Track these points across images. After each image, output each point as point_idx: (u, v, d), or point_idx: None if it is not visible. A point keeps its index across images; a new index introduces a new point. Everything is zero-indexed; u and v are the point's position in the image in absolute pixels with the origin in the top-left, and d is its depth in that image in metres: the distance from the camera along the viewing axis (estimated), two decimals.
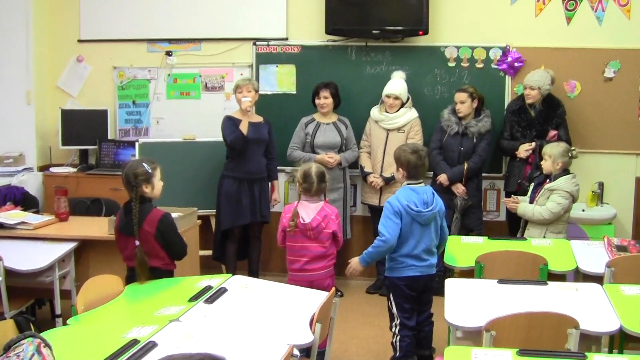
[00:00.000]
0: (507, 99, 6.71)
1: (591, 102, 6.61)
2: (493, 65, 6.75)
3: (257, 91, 6.41)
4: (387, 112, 6.53)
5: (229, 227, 6.35)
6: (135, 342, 3.09)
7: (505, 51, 6.70)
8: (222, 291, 3.88)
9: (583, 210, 6.47)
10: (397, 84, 6.51)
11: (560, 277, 4.48)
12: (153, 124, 7.37)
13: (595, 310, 3.62)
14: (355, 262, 4.75)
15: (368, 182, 6.62)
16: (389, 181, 6.47)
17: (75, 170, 7.11)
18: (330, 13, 6.73)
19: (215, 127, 6.37)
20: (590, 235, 6.11)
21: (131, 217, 4.18)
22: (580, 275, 4.58)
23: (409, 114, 6.53)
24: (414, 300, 4.66)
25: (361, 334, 5.67)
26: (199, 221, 5.73)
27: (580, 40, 6.59)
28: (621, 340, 3.75)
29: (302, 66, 7.04)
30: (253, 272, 6.47)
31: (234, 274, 4.29)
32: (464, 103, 6.30)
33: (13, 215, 5.47)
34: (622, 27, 6.52)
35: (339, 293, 6.31)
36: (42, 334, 2.87)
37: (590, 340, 3.49)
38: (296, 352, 3.17)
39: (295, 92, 7.08)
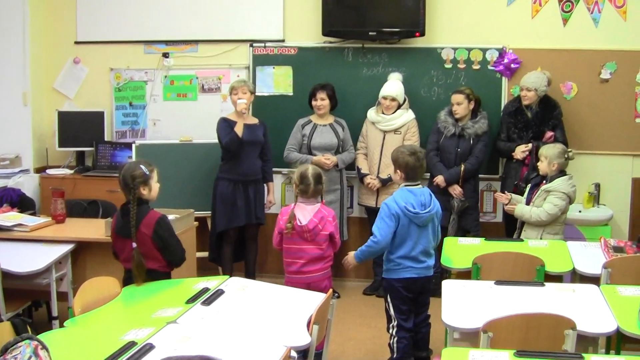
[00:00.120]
0: (504, 101, 6.72)
1: (587, 104, 6.62)
2: (489, 67, 6.76)
3: (252, 93, 6.42)
4: (383, 113, 6.53)
5: (224, 228, 6.35)
6: (132, 344, 3.09)
7: (501, 53, 6.71)
8: (219, 293, 3.87)
9: (580, 212, 6.48)
10: (393, 86, 6.52)
11: (557, 278, 4.47)
12: (150, 125, 7.36)
13: (592, 311, 3.63)
14: (350, 257, 4.77)
15: (365, 184, 6.62)
16: (385, 182, 6.47)
17: (72, 172, 7.11)
18: (327, 15, 6.73)
19: (212, 128, 6.36)
20: (587, 237, 6.12)
21: (128, 219, 4.17)
22: (577, 277, 4.59)
23: (406, 116, 6.53)
24: (412, 302, 4.67)
25: (358, 336, 5.67)
26: (196, 223, 5.72)
27: (576, 41, 6.60)
28: (618, 341, 3.76)
29: (299, 68, 7.04)
30: (250, 274, 6.46)
31: (230, 276, 4.29)
32: (460, 104, 6.30)
33: (10, 217, 5.46)
34: (618, 29, 6.53)
35: (336, 294, 6.31)
36: (39, 336, 2.87)
37: (587, 341, 3.49)
38: (294, 353, 3.16)
39: (292, 94, 7.08)
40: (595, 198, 6.61)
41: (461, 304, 3.77)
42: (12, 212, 5.66)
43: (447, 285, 4.05)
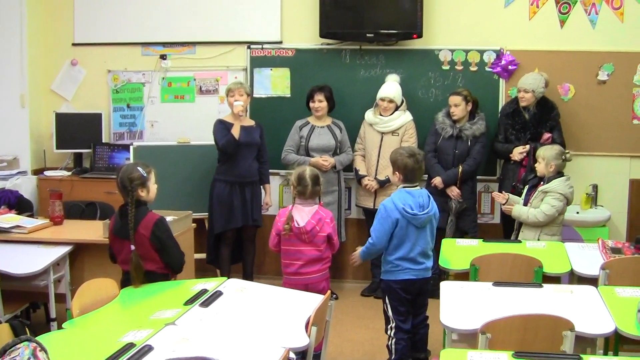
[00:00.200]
0: (501, 102, 6.73)
1: (585, 105, 6.63)
2: (487, 68, 6.77)
3: (249, 95, 6.42)
4: (381, 115, 6.54)
5: (221, 230, 6.35)
6: (131, 345, 3.09)
7: (499, 54, 6.72)
8: (217, 294, 3.87)
9: (577, 213, 6.49)
10: (391, 87, 6.52)
11: (555, 279, 4.48)
12: (147, 127, 7.36)
13: (590, 312, 3.63)
14: (357, 254, 4.83)
15: (362, 185, 6.62)
16: (383, 184, 6.48)
17: (69, 173, 7.11)
18: (324, 16, 6.73)
19: (209, 130, 6.36)
20: (585, 238, 6.13)
21: (127, 220, 4.17)
22: (575, 278, 4.58)
23: (403, 117, 6.54)
24: (410, 303, 4.67)
25: (356, 337, 5.67)
26: (194, 224, 5.72)
27: (573, 43, 6.61)
28: (616, 342, 3.76)
29: (297, 69, 7.04)
30: (247, 276, 6.46)
31: (228, 278, 4.29)
32: (458, 106, 6.31)
33: (7, 219, 5.45)
34: (616, 30, 6.55)
35: (334, 296, 6.31)
36: (38, 338, 2.87)
37: (585, 343, 3.49)
38: (292, 355, 3.17)
39: (289, 96, 7.08)
40: (592, 199, 6.62)
41: (459, 305, 3.77)
42: (9, 214, 5.65)
43: (445, 286, 4.05)
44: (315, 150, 6.51)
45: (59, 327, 3.92)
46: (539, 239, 5.31)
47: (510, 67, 6.69)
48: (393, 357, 4.65)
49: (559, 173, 5.45)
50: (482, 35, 6.75)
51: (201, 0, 7.13)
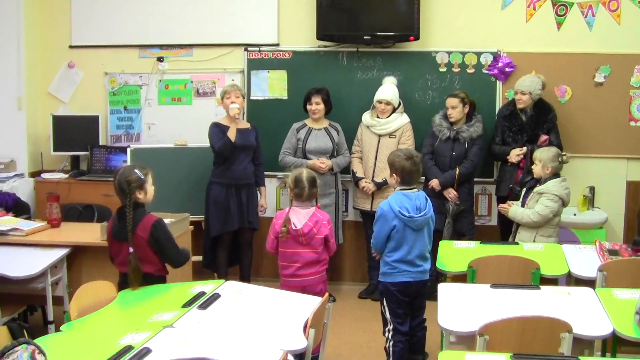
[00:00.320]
0: (498, 104, 6.73)
1: (582, 107, 6.64)
2: (484, 71, 6.78)
3: (244, 97, 6.43)
4: (378, 117, 6.54)
5: (217, 233, 6.34)
6: (129, 348, 3.09)
7: (496, 56, 6.73)
8: (215, 297, 3.87)
9: (574, 215, 6.50)
10: (388, 90, 6.53)
11: (552, 281, 4.49)
12: (144, 129, 7.36)
13: (587, 314, 3.64)
14: None
15: (360, 188, 6.62)
16: (380, 186, 6.48)
17: (66, 176, 7.09)
18: (321, 19, 6.74)
19: (206, 132, 6.34)
20: (582, 240, 6.13)
21: (124, 222, 4.17)
22: (572, 280, 4.59)
23: (401, 120, 6.54)
24: (407, 306, 4.67)
25: (354, 339, 5.67)
26: (191, 227, 5.72)
27: (570, 45, 6.62)
28: (614, 344, 3.76)
29: (294, 72, 7.04)
30: (245, 278, 6.45)
31: (226, 280, 4.28)
32: (455, 108, 6.32)
33: (5, 222, 5.45)
34: (613, 32, 6.56)
35: (332, 298, 6.31)
36: (36, 341, 2.87)
37: (583, 344, 3.50)
38: (290, 357, 3.17)
39: (286, 98, 7.08)
40: (590, 201, 6.63)
41: (457, 308, 3.77)
42: (7, 217, 5.66)
43: (443, 288, 4.05)
44: (313, 153, 6.51)
45: (57, 330, 3.93)
46: (534, 241, 5.32)
47: (507, 69, 6.70)
48: (391, 359, 4.65)
49: (555, 175, 5.45)
50: (479, 37, 6.76)
51: (198, 3, 7.13)
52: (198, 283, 4.19)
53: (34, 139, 7.26)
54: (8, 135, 7.07)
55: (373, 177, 6.55)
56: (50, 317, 5.07)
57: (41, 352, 2.74)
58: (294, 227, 4.76)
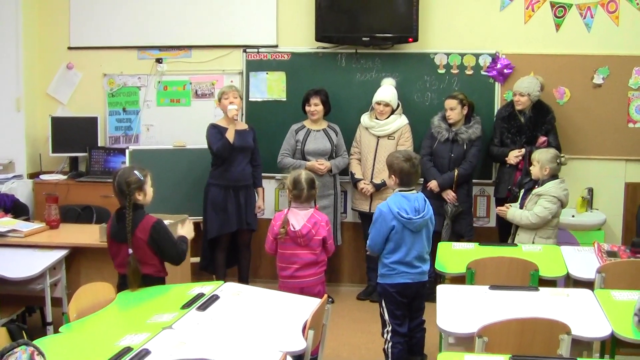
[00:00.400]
0: (497, 106, 6.74)
1: (580, 108, 6.64)
2: (483, 72, 6.78)
3: (242, 98, 6.43)
4: (377, 118, 6.54)
5: (216, 235, 6.34)
6: (128, 349, 3.09)
7: (494, 58, 6.73)
8: (214, 298, 3.88)
9: (573, 216, 6.49)
10: (387, 91, 6.53)
11: (551, 282, 4.49)
12: (143, 131, 7.35)
13: (586, 315, 3.64)
14: None
15: (358, 189, 6.62)
16: (379, 187, 6.48)
17: (65, 177, 7.08)
18: (320, 20, 6.74)
19: (205, 134, 6.35)
20: (580, 241, 6.13)
21: (124, 224, 4.17)
22: (571, 281, 4.60)
23: (399, 121, 6.55)
24: (406, 307, 4.67)
25: (352, 341, 5.67)
26: None
27: (569, 46, 6.63)
28: (612, 345, 3.76)
29: (292, 73, 7.04)
30: (243, 280, 6.44)
31: (225, 282, 4.29)
32: (454, 110, 6.32)
33: (3, 223, 5.45)
34: (611, 34, 6.57)
35: (330, 300, 6.30)
36: (35, 342, 2.87)
37: (581, 346, 3.50)
38: (289, 359, 3.17)
39: (285, 99, 7.08)
40: (588, 203, 6.63)
41: (456, 309, 3.77)
42: (5, 218, 5.66)
43: (441, 290, 4.05)
44: (311, 154, 6.51)
45: (56, 331, 3.92)
46: (533, 242, 5.32)
47: (505, 70, 6.70)
48: None
49: (553, 176, 5.46)
50: (478, 38, 6.77)
51: (197, 4, 7.13)
52: (197, 284, 4.19)
53: (33, 140, 7.25)
54: (7, 136, 7.06)
55: (372, 178, 6.55)
56: (49, 319, 5.07)
57: (40, 353, 2.74)
58: (292, 229, 4.76)
